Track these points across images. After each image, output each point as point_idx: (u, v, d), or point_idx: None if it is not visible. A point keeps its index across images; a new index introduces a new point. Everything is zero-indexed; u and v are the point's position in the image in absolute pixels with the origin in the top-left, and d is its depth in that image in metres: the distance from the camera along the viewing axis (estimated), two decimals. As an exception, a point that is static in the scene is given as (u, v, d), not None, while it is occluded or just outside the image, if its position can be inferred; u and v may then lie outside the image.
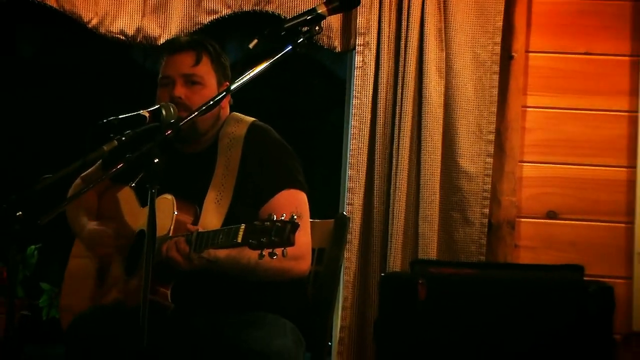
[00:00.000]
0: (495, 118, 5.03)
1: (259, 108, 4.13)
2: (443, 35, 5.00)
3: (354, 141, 5.02)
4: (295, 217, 3.28)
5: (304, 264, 3.84)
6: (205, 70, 3.93)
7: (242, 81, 3.38)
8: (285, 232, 3.27)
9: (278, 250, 3.27)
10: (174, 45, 4.06)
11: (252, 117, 4.03)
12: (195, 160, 3.94)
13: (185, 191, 3.81)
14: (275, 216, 3.29)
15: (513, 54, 5.09)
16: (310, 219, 3.93)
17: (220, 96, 3.48)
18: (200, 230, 3.63)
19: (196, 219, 3.78)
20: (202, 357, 3.71)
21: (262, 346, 3.57)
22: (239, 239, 3.38)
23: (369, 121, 5.02)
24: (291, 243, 3.27)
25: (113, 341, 3.57)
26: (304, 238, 3.70)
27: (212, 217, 3.79)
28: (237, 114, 4.04)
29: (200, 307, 3.78)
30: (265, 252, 3.28)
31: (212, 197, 3.83)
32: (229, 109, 4.03)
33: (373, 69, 5.02)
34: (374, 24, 5.02)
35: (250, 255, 3.41)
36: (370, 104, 5.02)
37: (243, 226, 3.38)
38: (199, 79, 3.91)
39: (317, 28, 3.48)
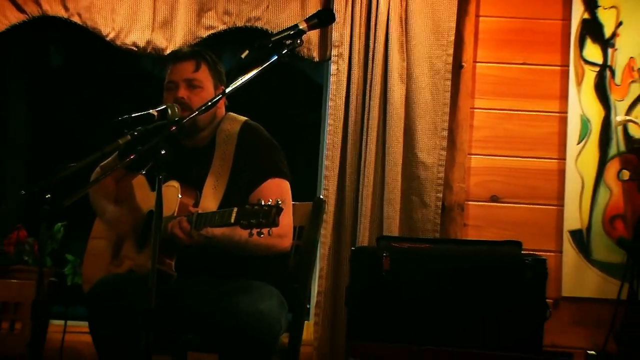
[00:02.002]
0: (448, 117, 5.03)
1: (249, 108, 4.13)
2: (404, 48, 5.00)
3: (329, 136, 5.02)
4: (280, 202, 3.29)
5: (287, 241, 3.86)
6: (204, 76, 3.94)
7: (235, 85, 3.38)
8: (271, 215, 3.28)
9: (265, 230, 3.29)
10: (177, 55, 4.07)
11: (245, 116, 4.04)
12: (197, 154, 3.96)
13: (188, 179, 3.82)
14: (263, 201, 3.30)
15: (463, 63, 5.09)
16: (292, 201, 3.94)
17: (217, 98, 3.50)
18: (200, 211, 3.64)
19: (197, 202, 3.79)
20: (200, 318, 3.73)
21: (251, 307, 3.58)
22: (232, 220, 3.40)
23: (342, 120, 5.01)
24: (276, 224, 3.29)
25: (126, 302, 3.58)
26: (286, 219, 3.71)
27: (210, 200, 3.81)
28: (232, 113, 4.06)
29: (199, 276, 3.79)
30: (254, 231, 3.29)
31: (211, 184, 3.85)
32: (224, 109, 4.03)
33: (346, 76, 5.02)
34: (347, 38, 5.02)
35: (241, 233, 3.42)
36: (343, 105, 5.02)
37: (235, 209, 3.39)
38: (198, 83, 3.92)
39: (298, 41, 3.50)
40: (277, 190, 3.85)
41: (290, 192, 3.94)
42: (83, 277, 4.09)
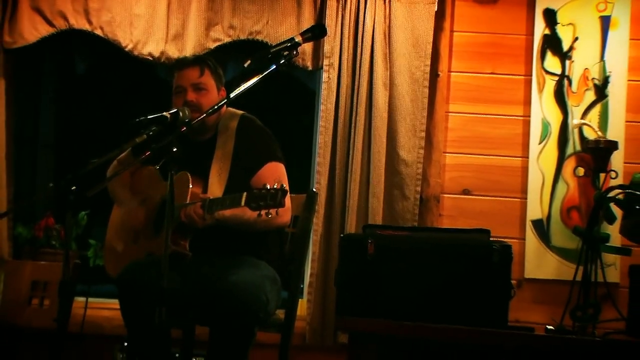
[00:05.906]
0: (425, 120, 5.03)
1: (251, 111, 4.13)
2: (388, 59, 5.00)
3: (321, 136, 5.02)
4: (284, 185, 3.31)
5: (286, 217, 3.89)
6: (208, 79, 3.97)
7: (239, 91, 3.39)
8: (277, 197, 3.30)
9: (272, 210, 3.30)
10: (183, 62, 4.09)
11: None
12: (202, 146, 3.98)
13: (195, 168, 3.83)
14: (268, 185, 3.31)
15: (439, 73, 5.10)
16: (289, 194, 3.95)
17: (222, 103, 3.52)
18: (211, 197, 3.65)
19: (205, 189, 3.81)
20: (200, 292, 3.72)
21: (238, 278, 3.61)
22: (242, 203, 3.41)
23: (332, 122, 5.01)
24: (282, 205, 3.31)
25: (149, 283, 3.56)
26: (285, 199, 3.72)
27: (216, 187, 3.83)
28: (232, 109, 4.08)
29: (208, 255, 3.80)
30: (263, 212, 3.31)
31: (215, 172, 3.87)
32: (226, 106, 4.05)
33: (336, 83, 5.02)
34: (337, 50, 5.03)
35: (250, 213, 3.43)
36: (333, 109, 5.02)
37: (245, 193, 3.41)
38: (204, 86, 3.95)
39: (294, 52, 3.52)
40: (275, 172, 3.87)
41: (285, 173, 3.96)
42: (105, 257, 4.09)
